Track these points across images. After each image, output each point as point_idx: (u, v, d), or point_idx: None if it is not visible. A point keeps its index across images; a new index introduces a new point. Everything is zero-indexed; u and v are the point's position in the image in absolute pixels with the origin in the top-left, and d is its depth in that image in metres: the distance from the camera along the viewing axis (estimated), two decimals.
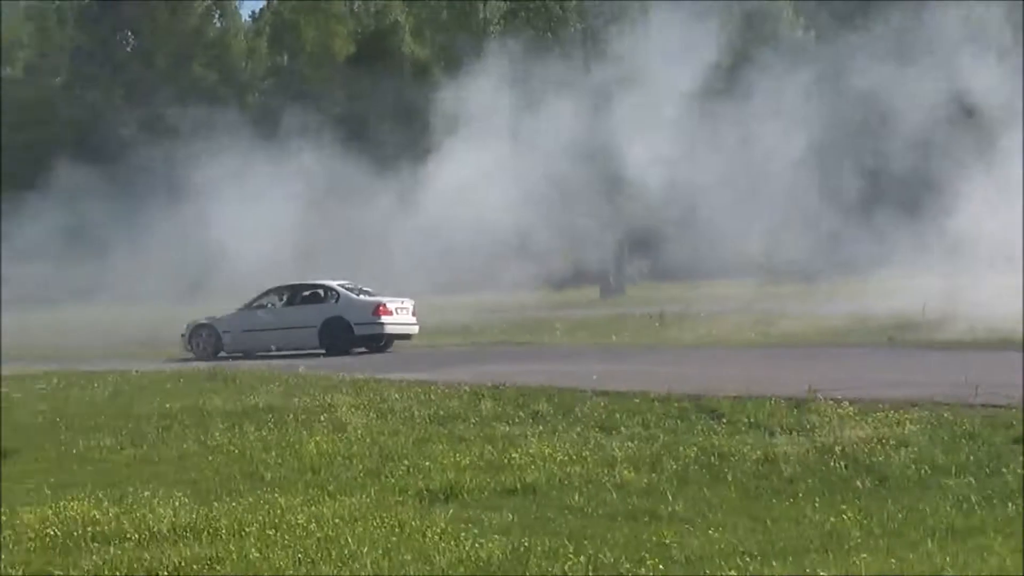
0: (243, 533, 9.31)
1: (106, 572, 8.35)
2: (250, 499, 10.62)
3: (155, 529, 9.49)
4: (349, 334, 31.04)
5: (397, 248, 43.15)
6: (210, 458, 13.22)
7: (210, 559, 8.55)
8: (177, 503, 10.43)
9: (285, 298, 32.66)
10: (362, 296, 32.18)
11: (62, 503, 10.48)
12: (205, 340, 31.67)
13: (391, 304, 31.67)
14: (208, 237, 45.52)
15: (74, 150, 75.54)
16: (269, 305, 32.69)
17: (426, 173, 44.48)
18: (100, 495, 10.94)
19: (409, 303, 32.38)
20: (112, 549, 8.96)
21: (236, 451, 13.52)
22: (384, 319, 31.24)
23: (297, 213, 43.59)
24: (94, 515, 9.96)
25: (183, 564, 8.44)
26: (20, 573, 8.32)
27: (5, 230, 56.41)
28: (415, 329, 32.42)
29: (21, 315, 48.12)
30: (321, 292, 32.48)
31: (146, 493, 10.98)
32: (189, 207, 48.56)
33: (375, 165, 47.05)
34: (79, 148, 74.18)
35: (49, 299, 54.54)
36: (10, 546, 9.13)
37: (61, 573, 8.31)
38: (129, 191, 55.33)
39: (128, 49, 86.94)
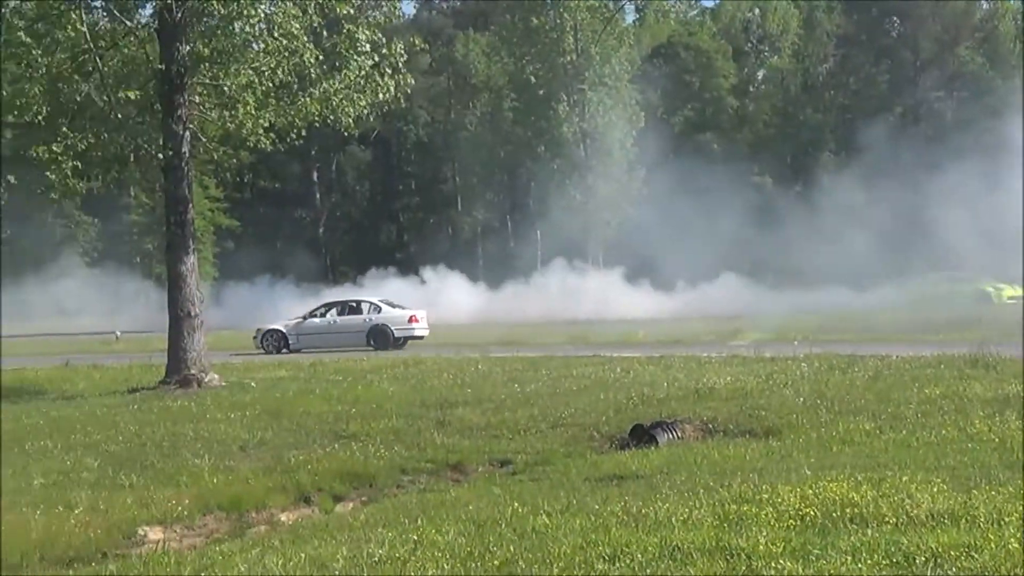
0: (1002, 522, 9.06)
1: (863, 554, 8.40)
2: (1010, 488, 10.31)
3: (912, 514, 9.45)
4: (390, 336, 40.61)
5: None
6: (969, 445, 13.03)
7: (968, 546, 8.37)
8: (935, 489, 10.33)
9: (338, 310, 42.64)
10: (396, 309, 42.31)
11: (821, 484, 10.70)
12: (272, 341, 40.76)
13: (418, 314, 41.97)
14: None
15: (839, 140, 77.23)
16: (325, 315, 42.21)
17: None
18: (859, 477, 11.06)
19: (423, 312, 42.65)
20: (869, 531, 9.00)
21: (996, 439, 13.25)
22: (414, 325, 41.36)
23: None
24: (852, 497, 10.08)
25: (940, 550, 8.32)
26: (780, 550, 8.59)
27: (785, 219, 59.15)
28: (427, 332, 42.00)
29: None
30: (366, 305, 42.42)
31: (904, 478, 10.97)
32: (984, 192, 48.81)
33: None
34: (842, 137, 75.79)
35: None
36: (771, 522, 9.44)
37: (819, 552, 8.50)
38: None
39: (893, 35, 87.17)
